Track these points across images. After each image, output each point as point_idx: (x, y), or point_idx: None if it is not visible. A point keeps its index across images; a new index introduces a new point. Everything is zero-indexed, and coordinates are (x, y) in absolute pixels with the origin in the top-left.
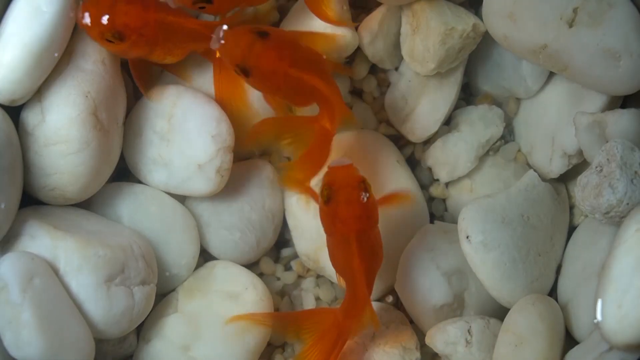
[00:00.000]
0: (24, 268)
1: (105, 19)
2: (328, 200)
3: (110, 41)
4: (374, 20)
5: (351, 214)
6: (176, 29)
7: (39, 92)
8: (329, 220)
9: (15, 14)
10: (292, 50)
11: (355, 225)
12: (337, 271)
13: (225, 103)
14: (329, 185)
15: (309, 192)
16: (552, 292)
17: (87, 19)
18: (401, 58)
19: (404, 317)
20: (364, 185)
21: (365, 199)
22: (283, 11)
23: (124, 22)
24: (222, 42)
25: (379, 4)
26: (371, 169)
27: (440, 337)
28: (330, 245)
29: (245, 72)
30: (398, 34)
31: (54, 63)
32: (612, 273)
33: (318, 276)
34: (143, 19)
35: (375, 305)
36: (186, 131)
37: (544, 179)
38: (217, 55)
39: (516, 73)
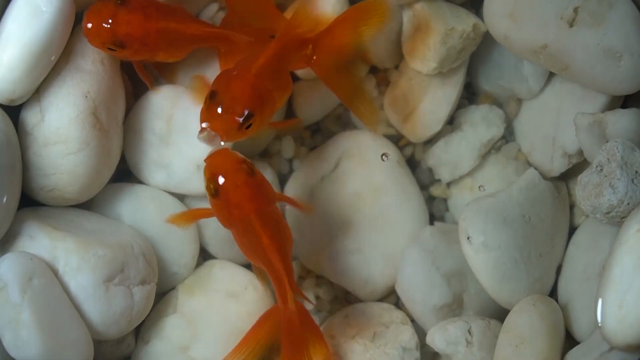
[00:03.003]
0: (23, 268)
1: (107, 29)
2: (216, 193)
3: (112, 49)
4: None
5: (244, 197)
6: (179, 35)
7: (38, 91)
8: (225, 211)
9: (14, 13)
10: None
11: (252, 206)
12: (252, 262)
13: None
14: (212, 176)
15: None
16: (553, 293)
17: (88, 28)
18: (402, 57)
19: (404, 317)
20: (246, 165)
21: (252, 177)
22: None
23: (125, 31)
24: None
25: None
26: (370, 169)
27: (440, 337)
28: (236, 237)
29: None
30: (399, 33)
31: (53, 63)
32: (613, 273)
33: (318, 277)
34: (145, 28)
35: (375, 305)
36: (186, 131)
37: (544, 178)
38: (222, 50)
39: (517, 73)
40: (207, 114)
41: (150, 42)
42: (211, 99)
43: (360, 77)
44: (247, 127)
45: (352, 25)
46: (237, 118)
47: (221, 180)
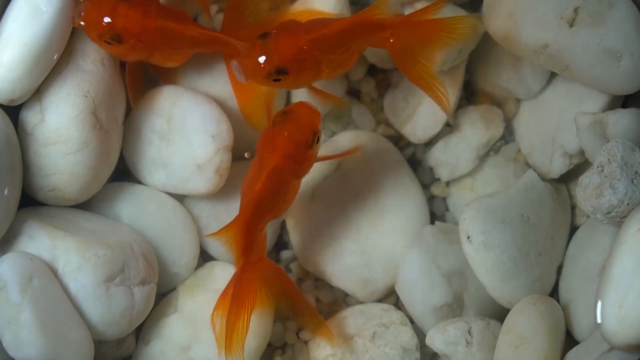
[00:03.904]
0: (23, 268)
1: (105, 21)
2: (275, 124)
3: (108, 43)
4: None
5: (284, 148)
6: (177, 36)
7: (38, 91)
8: (264, 140)
9: (14, 13)
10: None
11: (281, 162)
12: (241, 198)
13: (244, 100)
14: (287, 113)
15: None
16: (554, 293)
17: (86, 19)
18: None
19: (404, 317)
20: (314, 136)
21: (308, 147)
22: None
23: (123, 25)
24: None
25: None
26: (371, 170)
27: (440, 338)
28: (250, 167)
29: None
30: None
31: (54, 63)
32: (613, 273)
33: (317, 279)
34: (143, 24)
35: (375, 305)
36: (185, 131)
37: (544, 178)
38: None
39: (517, 73)
40: (248, 50)
41: (147, 39)
42: (261, 38)
43: (432, 70)
44: (276, 80)
45: (439, 28)
46: (267, 67)
47: (288, 123)
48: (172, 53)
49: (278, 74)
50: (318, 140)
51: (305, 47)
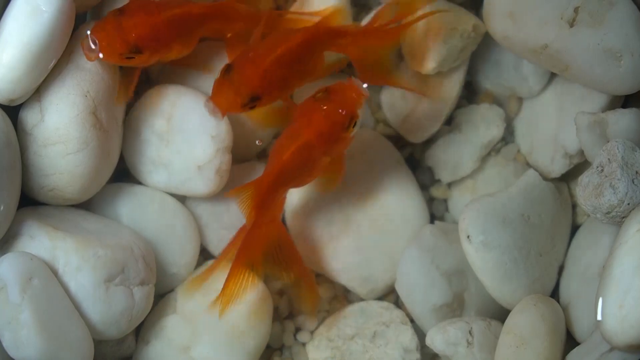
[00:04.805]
0: (23, 268)
1: (118, 40)
2: (317, 99)
3: (130, 57)
4: (373, 19)
5: (318, 126)
6: (185, 19)
7: (38, 91)
8: (302, 111)
9: (14, 13)
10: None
11: (312, 135)
12: (268, 159)
13: None
14: (330, 92)
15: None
16: (555, 293)
17: (103, 50)
18: (402, 57)
19: (404, 316)
20: (351, 120)
21: (343, 129)
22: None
23: (136, 34)
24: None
25: (379, 3)
26: (370, 169)
27: (440, 338)
28: (284, 131)
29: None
30: None
31: (53, 62)
32: (613, 273)
33: (318, 275)
34: (152, 24)
35: (376, 303)
36: (185, 131)
37: (545, 178)
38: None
39: (517, 73)
40: (216, 88)
41: (162, 36)
42: (225, 73)
43: (388, 67)
44: (251, 108)
45: (393, 35)
46: (240, 100)
47: (329, 101)
48: (188, 38)
49: (253, 101)
50: (355, 124)
51: (272, 69)
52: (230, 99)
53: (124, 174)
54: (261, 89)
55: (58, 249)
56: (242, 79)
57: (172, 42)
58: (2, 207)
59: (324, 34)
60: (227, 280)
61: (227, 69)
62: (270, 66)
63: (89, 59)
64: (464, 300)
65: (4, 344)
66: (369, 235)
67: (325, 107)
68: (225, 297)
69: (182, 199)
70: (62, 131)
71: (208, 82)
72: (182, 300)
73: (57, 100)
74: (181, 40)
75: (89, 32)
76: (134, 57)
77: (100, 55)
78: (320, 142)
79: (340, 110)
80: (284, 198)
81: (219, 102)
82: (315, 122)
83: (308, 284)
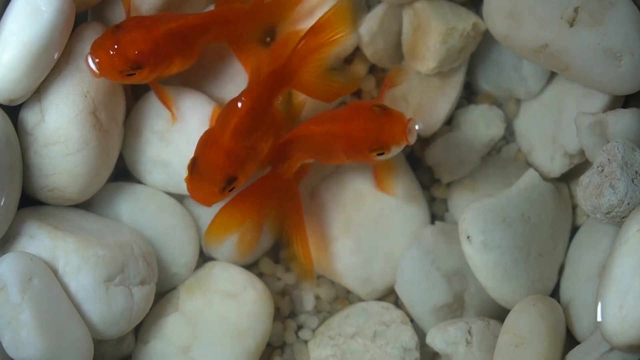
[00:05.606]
0: (23, 268)
1: (118, 57)
2: (374, 111)
3: (131, 74)
4: (373, 19)
5: (357, 123)
6: (184, 31)
7: (38, 91)
8: (354, 105)
9: (14, 13)
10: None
11: (349, 126)
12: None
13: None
14: (389, 112)
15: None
16: (555, 293)
17: (102, 68)
18: (402, 57)
19: (404, 316)
20: (382, 147)
21: (369, 147)
22: None
23: (136, 50)
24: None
25: (379, 2)
26: (370, 168)
27: (441, 337)
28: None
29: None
30: (399, 32)
31: (53, 62)
32: (613, 273)
33: (318, 276)
34: (151, 39)
35: (376, 303)
36: (185, 131)
37: (545, 178)
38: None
39: (517, 73)
40: (189, 184)
41: (162, 50)
42: (192, 167)
43: (324, 78)
44: (231, 190)
45: (318, 42)
46: (216, 187)
47: (381, 128)
48: (188, 50)
49: (229, 184)
50: (382, 154)
51: (231, 146)
52: (207, 190)
53: (124, 173)
54: (231, 169)
55: (58, 248)
56: (210, 166)
57: (172, 56)
58: (2, 207)
59: (261, 92)
60: (218, 212)
61: (193, 163)
62: (231, 141)
63: (96, 77)
64: (464, 300)
65: (4, 344)
66: (369, 236)
67: (373, 116)
68: (214, 226)
69: (180, 198)
70: (62, 131)
71: (209, 82)
72: (182, 300)
73: (58, 100)
74: (182, 53)
75: (88, 53)
76: (134, 74)
77: (100, 73)
78: (345, 135)
79: (380, 133)
80: (309, 165)
81: (198, 197)
82: (357, 119)
83: (303, 252)
